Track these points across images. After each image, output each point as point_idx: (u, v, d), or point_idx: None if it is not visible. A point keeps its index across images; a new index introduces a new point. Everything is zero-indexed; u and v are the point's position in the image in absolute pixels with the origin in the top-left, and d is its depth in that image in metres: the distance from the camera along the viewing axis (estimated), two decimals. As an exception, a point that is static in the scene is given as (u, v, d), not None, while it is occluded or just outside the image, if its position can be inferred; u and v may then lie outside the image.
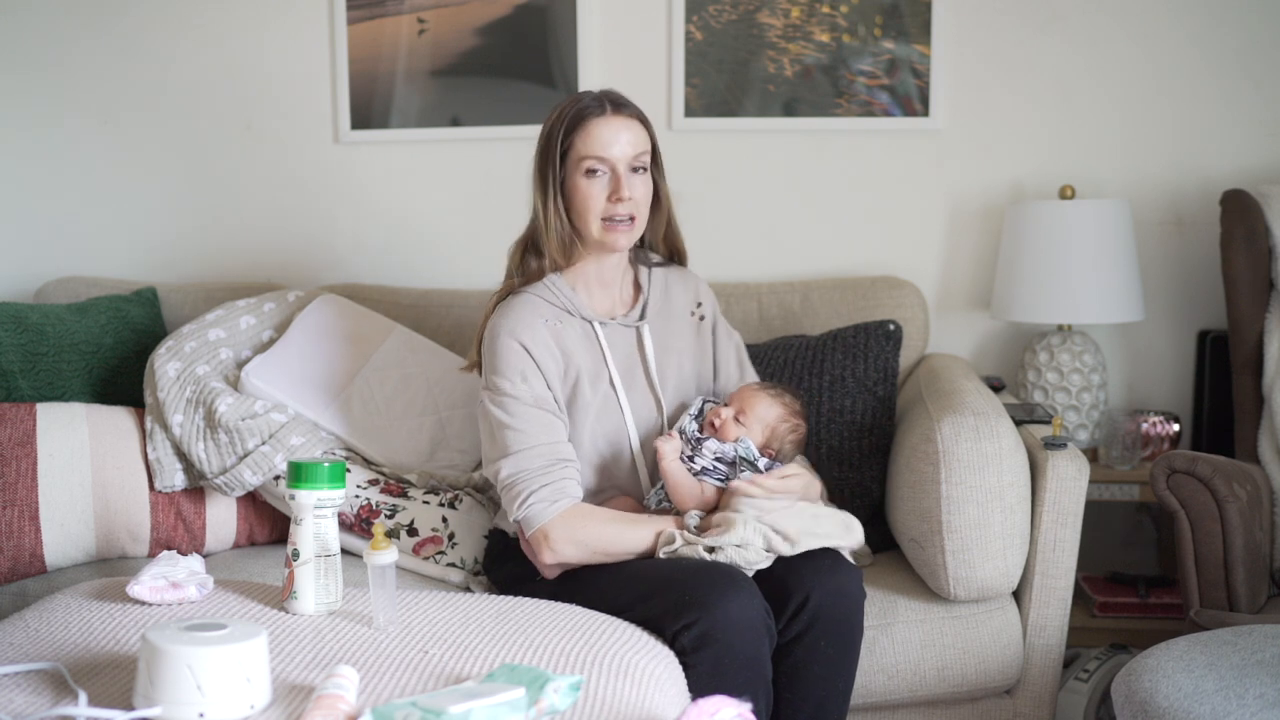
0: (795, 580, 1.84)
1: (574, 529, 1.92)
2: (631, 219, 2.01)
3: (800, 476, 2.03)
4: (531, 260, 2.08)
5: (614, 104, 2.01)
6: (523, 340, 2.01)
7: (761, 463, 2.02)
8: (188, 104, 3.07)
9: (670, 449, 1.99)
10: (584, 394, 2.05)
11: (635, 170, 2.01)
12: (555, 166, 2.01)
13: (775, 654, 1.85)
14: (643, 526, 1.95)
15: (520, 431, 1.96)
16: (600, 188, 1.99)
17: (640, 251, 2.21)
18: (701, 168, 2.92)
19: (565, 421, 2.02)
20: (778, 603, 1.83)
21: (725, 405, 2.09)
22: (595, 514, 1.96)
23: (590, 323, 2.09)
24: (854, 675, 1.91)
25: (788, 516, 1.90)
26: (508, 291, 2.10)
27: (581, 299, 2.10)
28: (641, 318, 2.14)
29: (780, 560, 1.88)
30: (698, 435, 2.05)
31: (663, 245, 2.21)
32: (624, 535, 1.94)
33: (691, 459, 2.02)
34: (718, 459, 2.01)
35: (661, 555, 1.93)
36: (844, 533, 1.95)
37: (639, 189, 2.02)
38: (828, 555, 1.90)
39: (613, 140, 1.98)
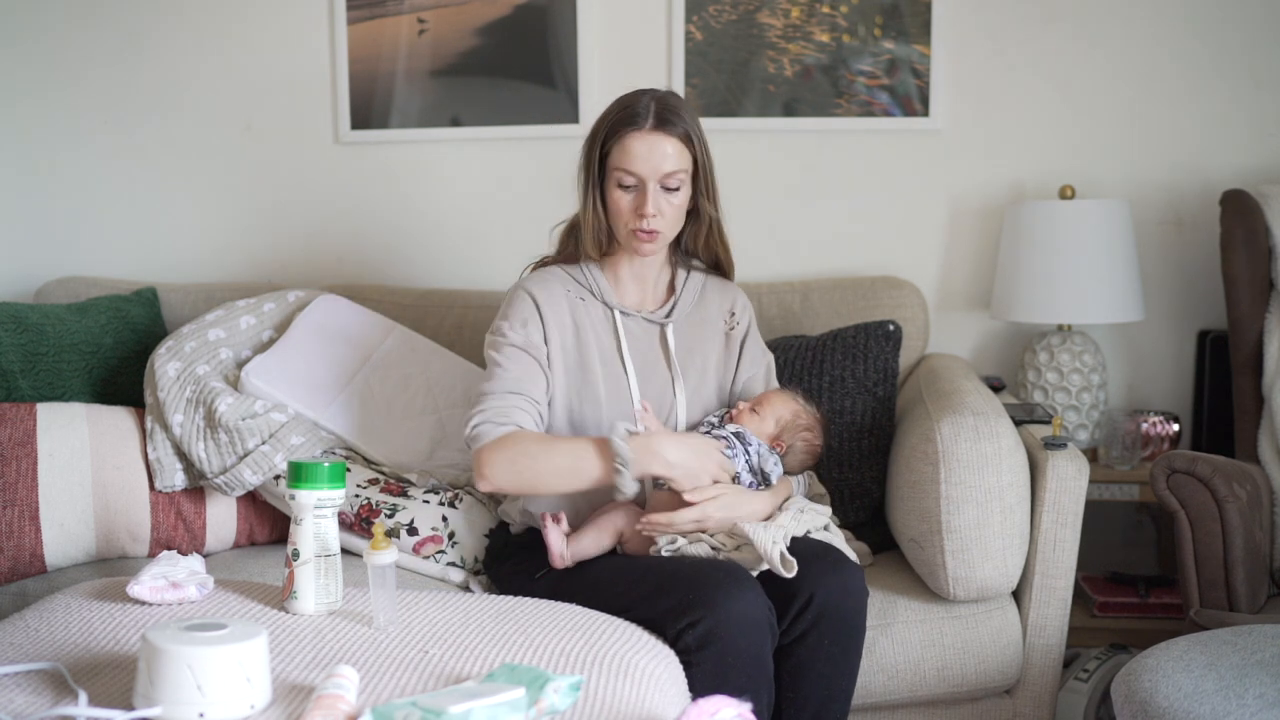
0: (798, 579, 1.84)
1: (505, 449, 1.92)
2: (653, 233, 2.02)
3: (719, 499, 1.94)
4: (572, 243, 2.15)
5: (658, 118, 1.99)
6: (537, 297, 2.07)
7: (757, 448, 2.03)
8: (188, 104, 3.08)
9: None
10: (593, 371, 2.07)
11: (668, 189, 2.01)
12: (595, 169, 2.04)
13: (778, 653, 1.85)
14: (569, 442, 1.95)
15: (502, 367, 2.01)
16: (629, 201, 2.02)
17: (683, 255, 2.22)
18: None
19: (548, 375, 2.03)
20: (781, 602, 1.83)
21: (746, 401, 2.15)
22: (528, 435, 1.95)
23: (612, 310, 2.11)
24: (856, 674, 1.92)
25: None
26: (543, 263, 2.18)
27: (610, 288, 2.13)
28: (668, 317, 2.15)
29: None
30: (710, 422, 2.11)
31: (703, 253, 2.20)
32: (548, 450, 1.92)
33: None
34: (712, 425, 2.07)
35: (665, 553, 1.93)
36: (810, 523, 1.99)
37: (667, 206, 2.02)
38: (831, 553, 1.91)
39: (645, 157, 1.98)
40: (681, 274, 2.19)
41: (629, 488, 1.90)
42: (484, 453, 1.93)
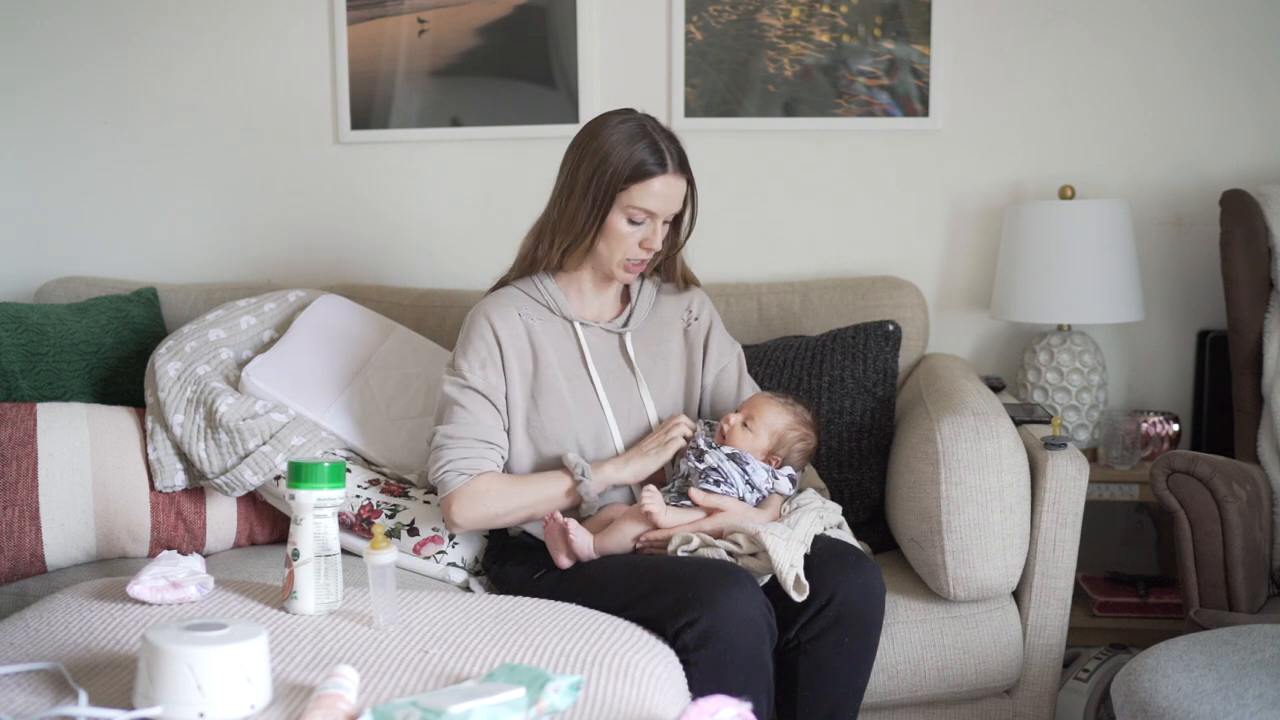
0: (819, 578, 1.84)
1: (475, 496, 2.01)
2: (645, 263, 2.11)
3: (717, 515, 2.00)
4: (534, 251, 2.16)
5: (679, 161, 2.07)
6: (494, 325, 2.10)
7: (758, 465, 2.02)
8: (188, 104, 3.08)
9: (656, 505, 1.98)
10: (558, 387, 2.09)
11: (666, 222, 2.10)
12: (604, 198, 2.04)
13: (796, 652, 1.86)
14: (535, 480, 2.04)
15: (463, 409, 2.06)
16: (637, 235, 2.07)
17: None
18: (701, 168, 2.86)
19: (504, 414, 2.09)
20: (800, 601, 1.84)
21: (736, 413, 2.11)
22: (493, 480, 2.03)
23: (571, 322, 2.14)
24: (870, 672, 1.92)
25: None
26: (502, 282, 2.21)
27: (567, 300, 2.16)
28: (625, 325, 2.17)
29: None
30: (703, 445, 2.07)
31: (658, 275, 2.27)
32: (522, 493, 2.03)
33: (700, 456, 2.04)
34: (701, 450, 2.03)
35: (681, 554, 1.93)
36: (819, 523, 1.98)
37: (663, 238, 2.11)
38: (851, 553, 1.91)
39: (666, 199, 2.06)
40: (636, 282, 2.23)
41: (591, 496, 2.02)
42: (454, 500, 2.02)
